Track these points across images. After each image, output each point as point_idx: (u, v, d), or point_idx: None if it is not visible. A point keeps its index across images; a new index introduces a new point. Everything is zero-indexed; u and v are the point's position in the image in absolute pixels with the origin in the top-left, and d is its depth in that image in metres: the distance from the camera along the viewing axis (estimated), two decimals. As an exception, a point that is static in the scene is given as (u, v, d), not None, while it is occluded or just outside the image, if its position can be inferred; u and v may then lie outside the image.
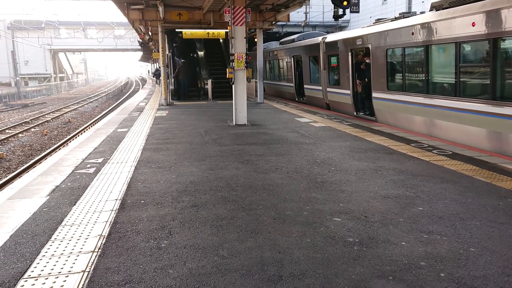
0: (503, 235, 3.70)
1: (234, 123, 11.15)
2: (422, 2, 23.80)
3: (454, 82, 8.00)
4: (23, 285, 2.96)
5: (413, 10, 22.86)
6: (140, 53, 61.34)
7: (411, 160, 6.60)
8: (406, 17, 9.83)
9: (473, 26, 7.29)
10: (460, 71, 7.83)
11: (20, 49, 54.03)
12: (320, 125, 10.57)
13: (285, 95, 19.57)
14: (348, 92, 12.42)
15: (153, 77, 45.69)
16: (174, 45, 20.22)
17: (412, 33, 9.07)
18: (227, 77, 11.37)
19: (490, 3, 7.00)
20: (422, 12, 9.98)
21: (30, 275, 3.10)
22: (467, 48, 7.82)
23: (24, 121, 20.92)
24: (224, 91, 18.71)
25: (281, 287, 2.88)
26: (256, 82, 17.87)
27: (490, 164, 6.21)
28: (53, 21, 56.02)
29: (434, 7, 8.78)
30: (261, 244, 3.57)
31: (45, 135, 17.03)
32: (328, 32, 21.55)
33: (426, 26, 8.60)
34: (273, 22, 17.48)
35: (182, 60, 19.54)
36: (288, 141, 8.44)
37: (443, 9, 8.38)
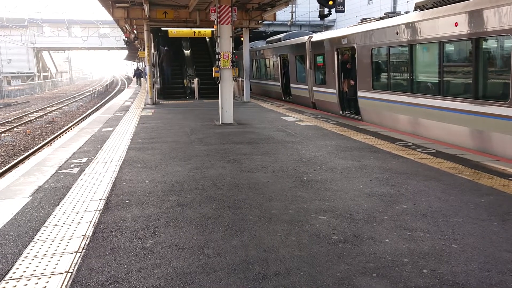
0: (484, 231, 3.77)
1: (220, 122, 11.13)
2: (407, 2, 24.06)
3: (437, 81, 8.11)
4: (4, 287, 2.91)
5: (398, 10, 23.11)
6: (126, 52, 60.73)
7: (396, 158, 6.67)
8: (391, 17, 9.92)
9: (456, 26, 7.40)
10: (444, 71, 7.94)
11: (2, 48, 53.07)
12: (306, 124, 10.62)
13: (271, 94, 19.60)
14: (334, 91, 12.50)
15: (133, 77, 42.71)
16: (159, 34, 20.39)
17: (397, 33, 9.17)
18: (213, 76, 11.35)
19: (473, 3, 7.11)
20: (406, 12, 10.09)
21: (11, 277, 3.05)
22: (450, 47, 7.93)
23: (7, 120, 20.56)
24: (210, 90, 18.66)
25: (266, 286, 2.88)
26: (242, 81, 17.86)
27: (472, 162, 6.31)
28: (37, 19, 55.13)
29: (418, 7, 8.89)
30: (246, 243, 3.57)
31: (28, 134, 16.76)
32: (314, 32, 21.64)
33: (410, 26, 8.69)
34: (260, 21, 17.50)
35: (166, 48, 19.69)
36: (274, 140, 8.46)
37: (427, 9, 8.49)
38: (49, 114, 24.30)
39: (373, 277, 2.98)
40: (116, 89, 48.96)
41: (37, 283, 2.96)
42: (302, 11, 31.26)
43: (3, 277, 3.05)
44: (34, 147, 14.02)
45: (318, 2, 10.47)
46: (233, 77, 11.36)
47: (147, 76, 17.81)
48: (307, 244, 3.53)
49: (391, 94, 9.67)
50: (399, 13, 10.17)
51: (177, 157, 6.97)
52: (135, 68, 43.04)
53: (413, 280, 2.93)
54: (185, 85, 20.22)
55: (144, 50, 21.14)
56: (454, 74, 7.93)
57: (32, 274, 3.08)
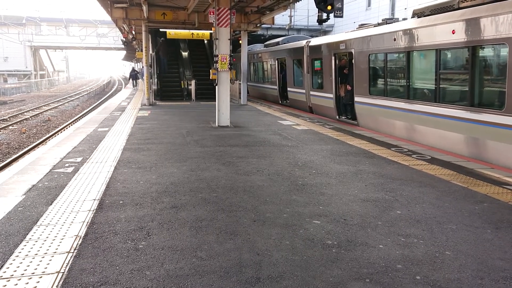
0: (478, 239, 3.77)
1: (216, 124, 11.12)
2: (405, 9, 24.19)
3: (434, 88, 8.14)
4: (-6, 286, 2.88)
5: (396, 16, 23.22)
6: (124, 52, 60.68)
7: (391, 164, 6.68)
8: (388, 23, 9.97)
9: (453, 33, 7.44)
10: (440, 78, 7.97)
11: (-1, 45, 52.93)
12: (303, 128, 10.63)
13: (268, 98, 19.61)
14: (331, 96, 12.52)
15: (129, 78, 38.77)
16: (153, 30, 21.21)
17: (394, 39, 9.20)
18: (211, 78, 11.35)
19: (470, 11, 7.15)
20: (404, 19, 10.14)
21: (2, 276, 3.02)
22: (447, 55, 7.97)
23: (2, 118, 20.44)
24: (207, 92, 18.67)
25: (258, 289, 2.87)
26: (239, 84, 17.87)
27: (467, 169, 6.33)
28: (34, 17, 54.99)
29: (416, 14, 8.93)
30: (240, 246, 3.56)
31: (24, 133, 16.67)
32: (312, 36, 21.68)
33: (408, 33, 8.73)
34: (258, 25, 17.54)
35: (162, 39, 20.40)
36: (270, 143, 8.46)
37: (424, 16, 8.53)
38: (45, 113, 24.19)
39: (366, 282, 2.98)
40: (113, 89, 48.83)
41: (27, 283, 2.93)
42: (301, 15, 31.37)
43: (-7, 276, 3.02)
44: (28, 145, 13.94)
45: (317, 7, 10.49)
46: (230, 80, 11.37)
47: (145, 77, 17.79)
48: (301, 248, 3.52)
49: (387, 100, 9.70)
50: (397, 20, 10.21)
51: (173, 159, 6.94)
52: (131, 68, 38.57)
53: (406, 287, 2.92)
54: (182, 86, 20.23)
55: (142, 50, 21.16)
56: (451, 82, 7.96)
57: (23, 274, 3.05)
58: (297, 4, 20.21)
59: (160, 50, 20.56)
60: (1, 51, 54.34)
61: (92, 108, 25.70)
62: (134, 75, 35.92)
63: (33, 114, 23.01)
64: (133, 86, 34.60)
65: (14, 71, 56.57)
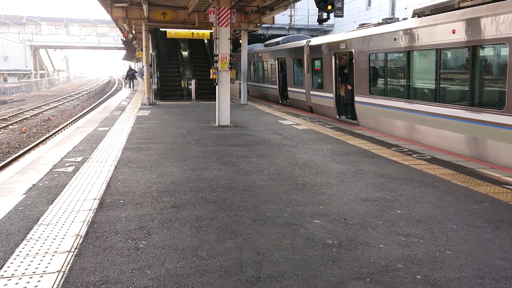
0: (478, 238, 3.77)
1: (217, 124, 11.12)
2: (405, 8, 24.19)
3: (434, 88, 8.15)
4: (-5, 285, 2.88)
5: (396, 16, 23.21)
6: (124, 52, 60.65)
7: (391, 163, 6.68)
8: (389, 23, 9.96)
9: (453, 33, 7.44)
10: (440, 77, 7.97)
11: (-1, 45, 52.95)
12: (303, 127, 10.63)
13: (268, 97, 19.62)
14: (331, 95, 12.52)
15: (126, 78, 34.83)
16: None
17: (395, 39, 9.20)
18: (211, 77, 11.36)
19: (470, 11, 7.15)
20: (404, 19, 10.14)
21: (2, 275, 3.02)
22: (447, 54, 7.97)
23: (2, 118, 20.44)
24: (207, 91, 18.68)
25: (259, 289, 2.87)
26: (240, 83, 17.88)
27: (467, 169, 6.33)
28: (34, 16, 55.01)
29: (416, 14, 8.93)
30: (240, 245, 3.56)
31: (24, 132, 16.67)
32: (312, 36, 21.68)
33: (408, 32, 8.73)
34: (258, 24, 17.55)
35: (161, 33, 20.77)
36: (271, 143, 8.46)
37: (424, 16, 8.53)
38: (45, 112, 24.19)
39: (366, 282, 2.98)
40: (113, 89, 48.82)
41: (28, 282, 2.93)
42: (301, 15, 31.38)
43: (-6, 275, 3.02)
44: (29, 145, 13.94)
45: (317, 7, 10.49)
46: (230, 79, 11.37)
47: (145, 77, 17.80)
48: (301, 248, 3.52)
49: (387, 100, 9.70)
50: (397, 20, 10.21)
51: (173, 158, 6.95)
52: (128, 67, 33.53)
53: (407, 286, 2.93)
54: (182, 86, 20.24)
55: (142, 50, 21.20)
56: (451, 81, 7.97)
57: (24, 273, 3.05)
58: (297, 4, 20.23)
59: (160, 43, 21.23)
60: (1, 50, 54.37)
61: (92, 107, 25.70)
62: (132, 75, 31.55)
63: (33, 113, 23.01)
64: (130, 87, 30.70)
65: (14, 70, 56.57)
